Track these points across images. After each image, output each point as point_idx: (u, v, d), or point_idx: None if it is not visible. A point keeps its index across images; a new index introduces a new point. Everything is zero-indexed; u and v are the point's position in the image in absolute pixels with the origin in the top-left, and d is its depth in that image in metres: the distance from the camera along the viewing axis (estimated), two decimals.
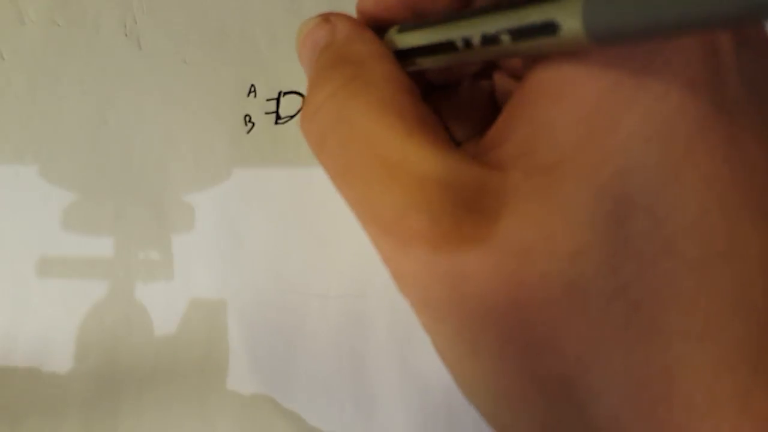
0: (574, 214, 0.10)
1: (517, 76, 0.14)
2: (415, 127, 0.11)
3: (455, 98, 0.15)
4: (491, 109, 0.15)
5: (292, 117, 0.21)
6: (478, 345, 0.11)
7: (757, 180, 0.10)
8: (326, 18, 0.14)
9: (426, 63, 0.12)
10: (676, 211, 0.10)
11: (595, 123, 0.10)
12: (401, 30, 0.13)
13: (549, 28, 0.09)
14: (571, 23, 0.09)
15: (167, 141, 0.21)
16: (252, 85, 0.21)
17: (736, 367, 0.10)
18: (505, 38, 0.10)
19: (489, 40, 0.10)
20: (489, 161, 0.11)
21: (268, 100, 0.21)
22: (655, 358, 0.10)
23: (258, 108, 0.21)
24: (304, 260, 0.20)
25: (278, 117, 0.21)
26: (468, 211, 0.10)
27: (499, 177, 0.11)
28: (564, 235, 0.10)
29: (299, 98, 0.21)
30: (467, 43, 0.11)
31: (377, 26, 0.13)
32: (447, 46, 0.11)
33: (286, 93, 0.21)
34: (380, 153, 0.11)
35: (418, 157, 0.11)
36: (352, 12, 0.14)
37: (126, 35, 0.21)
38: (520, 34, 0.10)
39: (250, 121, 0.21)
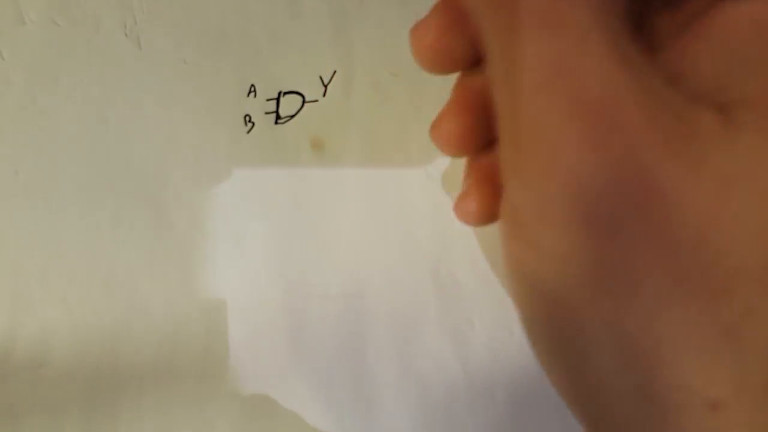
0: None
1: None
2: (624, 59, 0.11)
3: None
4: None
5: (292, 117, 0.21)
6: None
7: None
8: None
9: None
10: None
11: None
12: None
13: None
14: None
15: (167, 141, 0.21)
16: (252, 85, 0.21)
17: None
18: None
19: None
20: (679, 86, 0.11)
21: (268, 100, 0.21)
22: None
23: (258, 108, 0.21)
24: (304, 260, 0.20)
25: (278, 117, 0.21)
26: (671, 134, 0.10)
27: (694, 112, 0.10)
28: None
29: (299, 98, 0.21)
30: None
31: None
32: None
33: (286, 93, 0.21)
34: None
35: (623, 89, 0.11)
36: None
37: (126, 35, 0.21)
38: None
39: (250, 121, 0.21)
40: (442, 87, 0.21)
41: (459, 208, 0.16)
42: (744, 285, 0.10)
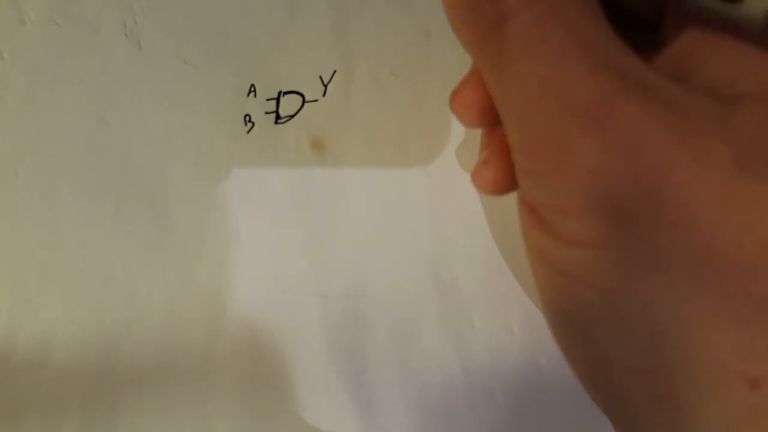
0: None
1: None
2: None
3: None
4: None
5: (292, 117, 0.21)
6: None
7: None
8: None
9: None
10: None
11: None
12: None
13: None
14: None
15: (167, 141, 0.21)
16: (252, 85, 0.21)
17: None
18: None
19: None
20: (685, 82, 0.12)
21: (267, 99, 0.21)
22: None
23: (258, 108, 0.21)
24: (304, 260, 0.20)
25: (278, 117, 0.21)
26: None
27: (693, 101, 0.11)
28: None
29: (299, 98, 0.21)
30: None
31: None
32: None
33: (286, 93, 0.21)
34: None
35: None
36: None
37: (126, 35, 0.21)
38: None
39: (250, 120, 0.21)
40: (443, 87, 0.21)
41: (478, 176, 0.16)
42: None
